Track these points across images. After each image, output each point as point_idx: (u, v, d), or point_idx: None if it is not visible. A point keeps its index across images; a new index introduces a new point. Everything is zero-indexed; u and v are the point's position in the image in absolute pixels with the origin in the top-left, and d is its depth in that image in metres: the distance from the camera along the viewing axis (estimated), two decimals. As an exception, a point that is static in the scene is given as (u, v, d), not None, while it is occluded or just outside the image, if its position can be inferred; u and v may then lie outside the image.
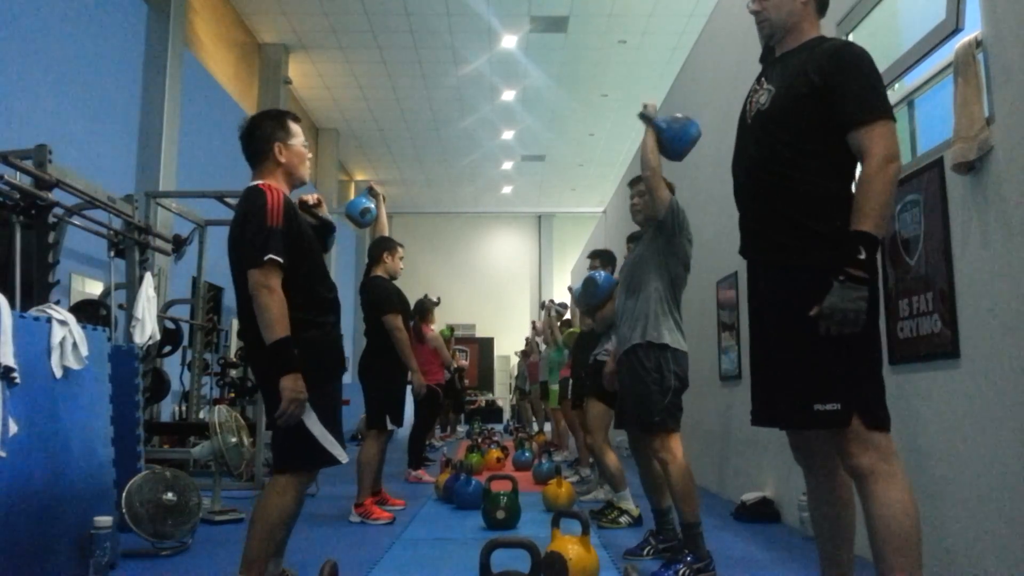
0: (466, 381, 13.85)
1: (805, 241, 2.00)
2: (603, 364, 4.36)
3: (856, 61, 2.01)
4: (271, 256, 2.32)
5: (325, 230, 2.79)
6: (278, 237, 2.35)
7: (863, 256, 1.87)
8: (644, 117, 3.22)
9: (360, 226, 4.67)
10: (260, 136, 2.55)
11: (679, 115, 3.27)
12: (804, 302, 1.95)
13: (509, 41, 11.61)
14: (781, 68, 2.14)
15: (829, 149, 2.00)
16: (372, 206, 4.61)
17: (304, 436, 2.38)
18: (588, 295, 4.35)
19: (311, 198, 2.82)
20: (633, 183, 3.60)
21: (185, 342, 6.56)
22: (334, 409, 2.55)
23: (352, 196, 18.13)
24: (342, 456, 2.50)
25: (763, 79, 2.19)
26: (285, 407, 2.30)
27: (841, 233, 1.93)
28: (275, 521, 2.42)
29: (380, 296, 4.71)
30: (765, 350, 2.13)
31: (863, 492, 1.93)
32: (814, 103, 2.01)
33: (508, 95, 13.58)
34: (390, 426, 4.69)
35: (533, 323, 11.27)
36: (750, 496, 4.46)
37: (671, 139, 3.20)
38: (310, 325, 2.45)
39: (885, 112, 1.96)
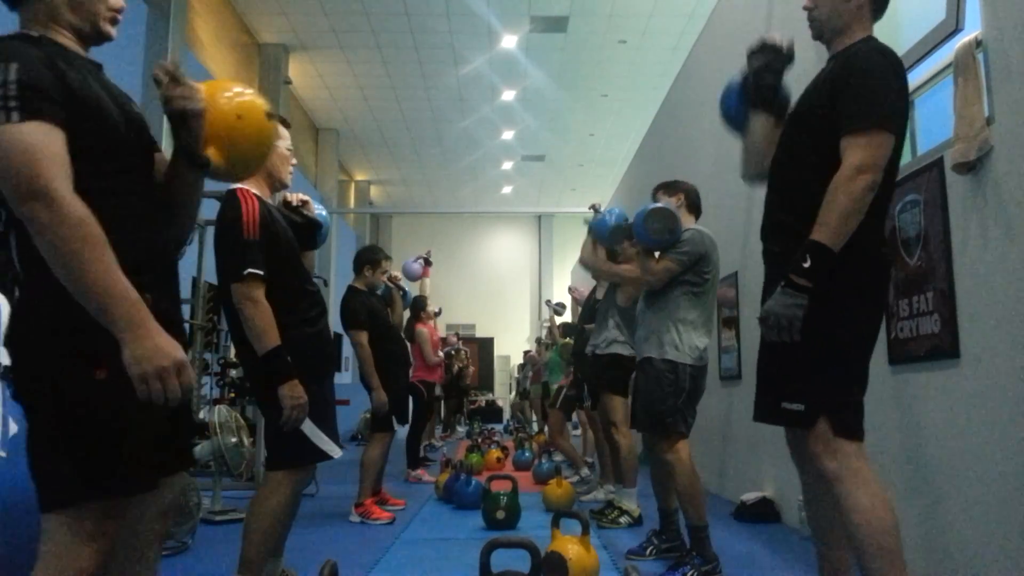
0: (469, 380, 13.83)
1: (785, 254, 2.01)
2: (606, 358, 4.36)
3: (866, 66, 1.97)
4: (251, 270, 2.32)
5: (312, 228, 2.78)
6: (255, 249, 2.36)
7: (808, 264, 1.87)
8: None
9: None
10: None
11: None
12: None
13: (509, 41, 11.61)
14: (817, 75, 2.14)
15: (833, 158, 1.97)
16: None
17: (294, 433, 2.39)
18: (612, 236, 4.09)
19: (294, 199, 2.80)
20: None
21: (185, 342, 6.53)
22: (324, 405, 2.55)
23: (352, 196, 18.20)
24: (334, 451, 2.50)
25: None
26: (289, 414, 2.30)
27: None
28: (270, 520, 2.43)
29: (346, 310, 4.68)
30: (760, 350, 2.17)
31: (835, 496, 1.93)
32: (824, 108, 2.00)
33: (508, 95, 13.57)
34: (396, 426, 4.70)
35: (526, 353, 11.66)
36: (750, 496, 4.46)
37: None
38: (295, 324, 2.45)
39: (875, 122, 1.91)
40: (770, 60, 2.23)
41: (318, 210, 2.89)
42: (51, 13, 1.49)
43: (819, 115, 2.02)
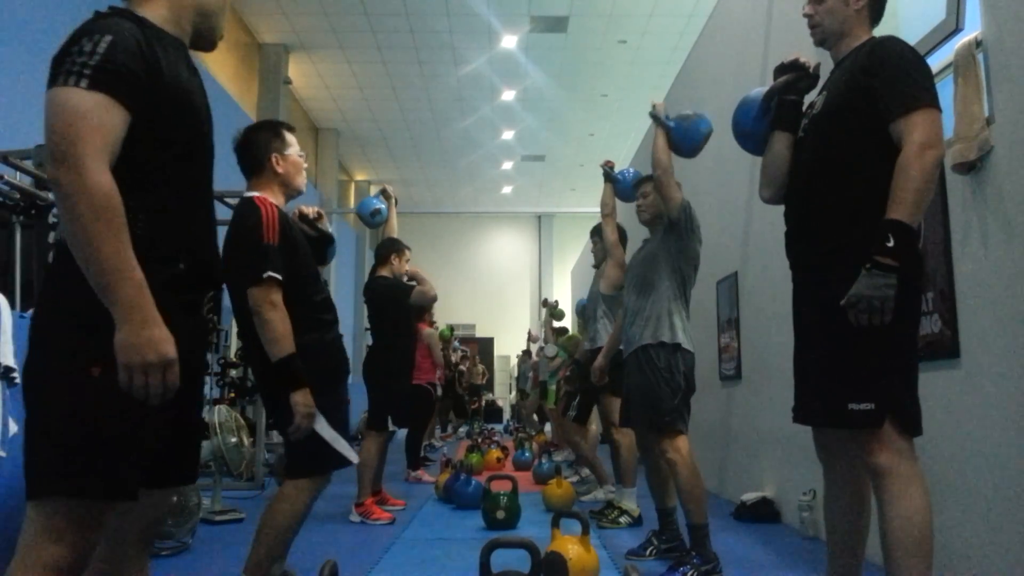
0: (470, 380, 13.78)
1: (834, 253, 2.02)
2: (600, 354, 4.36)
3: (895, 53, 1.99)
4: (270, 274, 2.32)
5: (324, 242, 2.79)
6: (275, 254, 2.36)
7: (891, 244, 1.85)
8: (654, 116, 3.24)
9: (370, 226, 4.96)
10: (255, 148, 2.52)
11: (689, 112, 3.29)
12: (836, 307, 1.96)
13: (509, 41, 11.61)
14: (836, 75, 2.14)
15: (875, 151, 1.99)
16: (383, 207, 4.78)
17: (316, 440, 2.39)
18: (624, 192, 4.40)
19: (311, 211, 2.81)
20: (637, 185, 3.61)
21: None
22: (342, 411, 2.57)
23: (352, 196, 18.20)
24: (353, 457, 2.52)
25: (819, 93, 2.20)
26: (299, 422, 2.30)
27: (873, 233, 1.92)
28: (286, 526, 2.44)
29: (394, 294, 4.68)
30: (804, 352, 2.16)
31: (880, 491, 1.93)
32: (860, 102, 2.01)
33: (508, 95, 13.57)
34: (391, 427, 4.68)
35: (529, 332, 11.53)
36: (750, 496, 4.46)
37: (682, 138, 3.23)
38: (310, 328, 2.46)
39: (926, 101, 1.93)
40: (795, 80, 2.26)
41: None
42: (170, 5, 1.51)
43: (855, 111, 2.02)
